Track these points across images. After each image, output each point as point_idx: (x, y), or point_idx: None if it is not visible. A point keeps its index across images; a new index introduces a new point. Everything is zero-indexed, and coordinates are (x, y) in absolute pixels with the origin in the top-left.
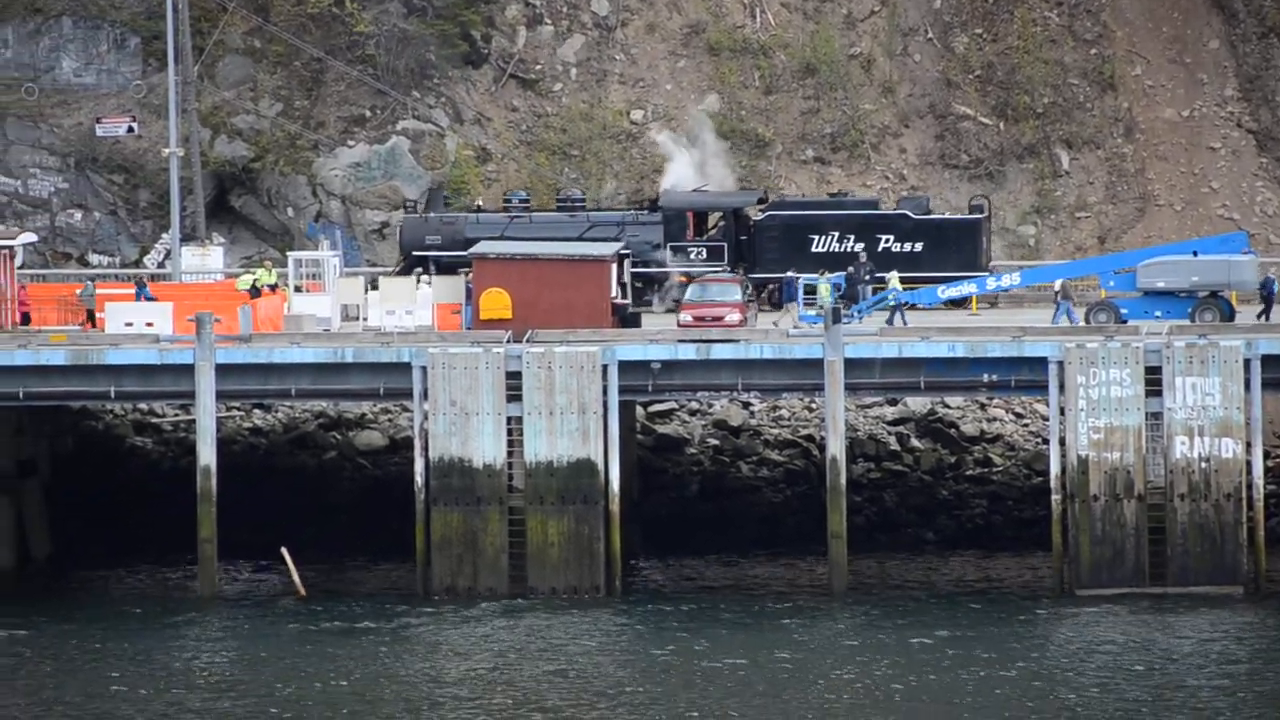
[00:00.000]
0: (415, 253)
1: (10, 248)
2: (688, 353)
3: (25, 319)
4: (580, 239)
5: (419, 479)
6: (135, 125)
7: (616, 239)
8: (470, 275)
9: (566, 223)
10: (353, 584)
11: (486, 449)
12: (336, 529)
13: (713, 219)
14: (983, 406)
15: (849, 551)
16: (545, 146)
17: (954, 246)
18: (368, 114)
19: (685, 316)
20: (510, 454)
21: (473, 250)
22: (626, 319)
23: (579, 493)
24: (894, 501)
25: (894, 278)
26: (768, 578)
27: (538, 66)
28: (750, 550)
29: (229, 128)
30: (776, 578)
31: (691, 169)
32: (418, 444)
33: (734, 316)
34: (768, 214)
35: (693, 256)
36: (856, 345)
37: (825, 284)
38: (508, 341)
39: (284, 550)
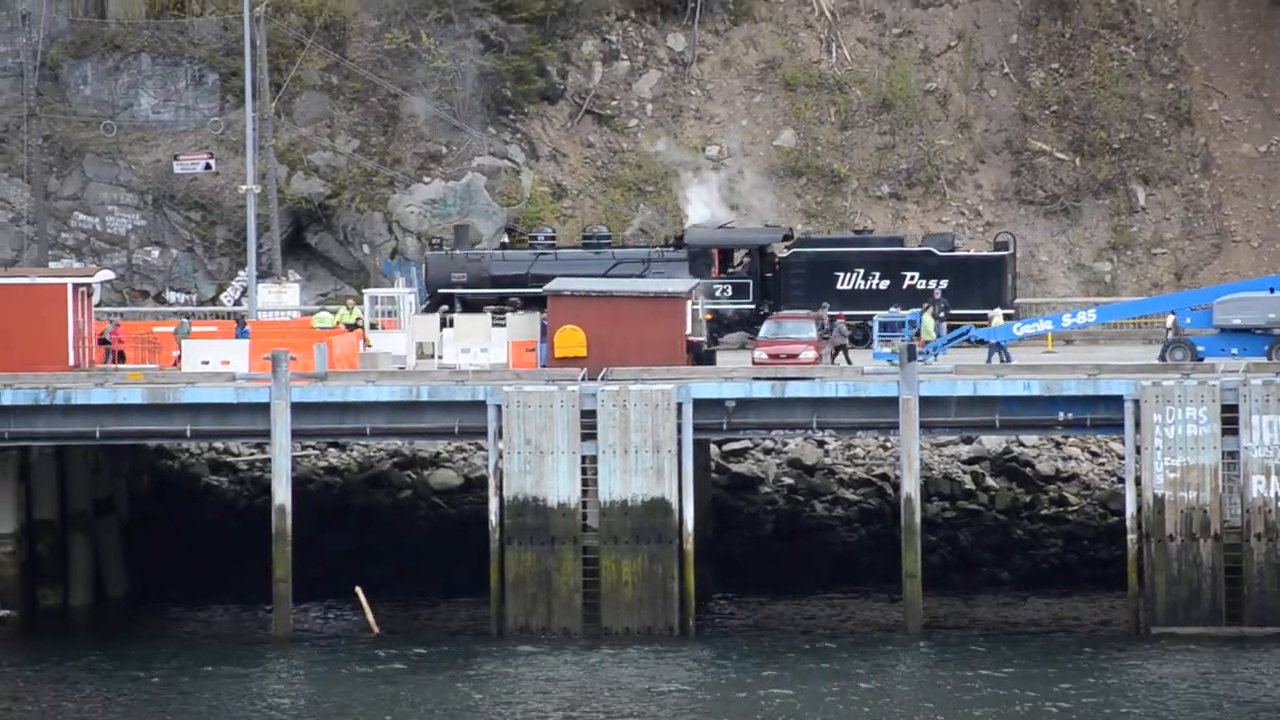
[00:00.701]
0: (441, 290)
1: (88, 285)
2: (762, 391)
3: (120, 357)
4: (605, 277)
5: (493, 518)
6: (212, 162)
7: (641, 276)
8: (545, 313)
9: (591, 260)
10: (427, 623)
11: (561, 488)
12: (411, 568)
13: (738, 256)
14: (1058, 445)
15: (924, 591)
16: (620, 182)
17: (979, 283)
18: (444, 150)
19: (760, 354)
20: (585, 492)
21: (548, 287)
22: (702, 356)
23: (653, 532)
24: (969, 541)
25: (997, 315)
26: (842, 617)
27: (614, 102)
28: (825, 589)
29: (306, 164)
30: (851, 617)
31: (712, 207)
32: (492, 483)
33: (809, 354)
34: (793, 251)
35: (718, 294)
36: (931, 383)
37: (929, 318)
38: (582, 379)
39: (358, 589)
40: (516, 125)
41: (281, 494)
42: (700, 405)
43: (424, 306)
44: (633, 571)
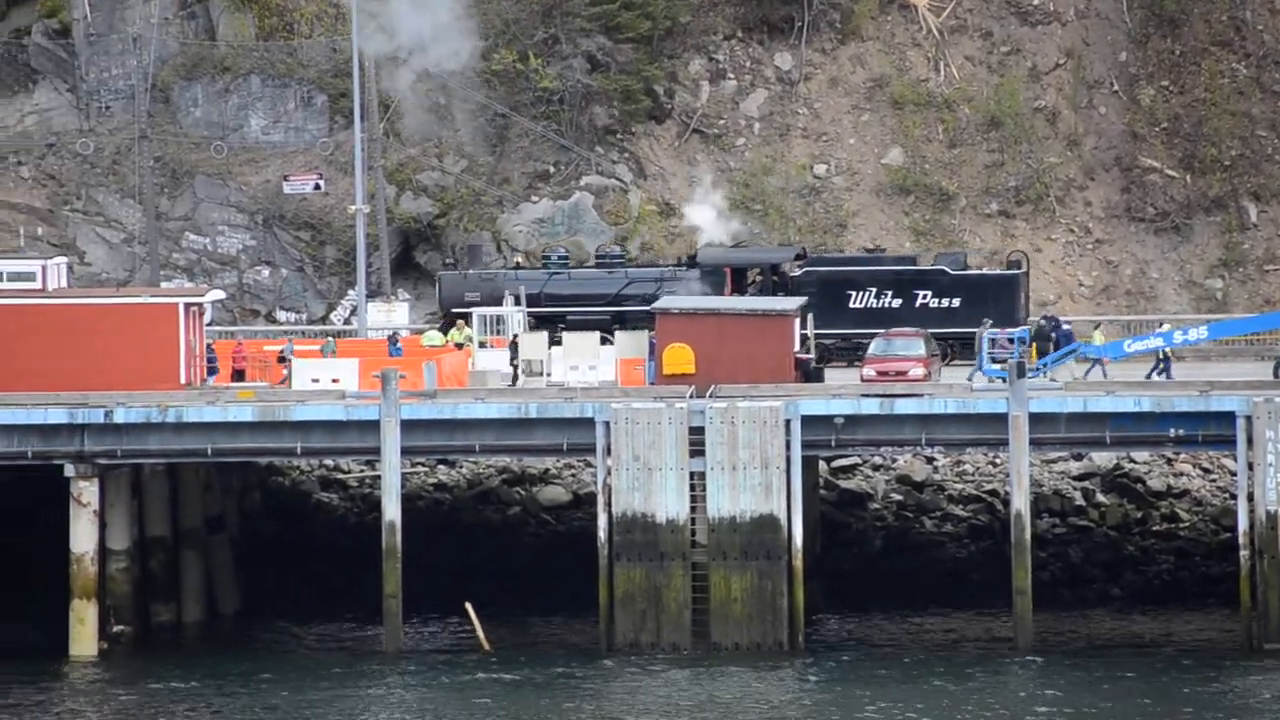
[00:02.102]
0: (454, 309)
1: (199, 305)
2: (871, 407)
3: (239, 375)
4: (619, 296)
5: (602, 534)
6: (322, 182)
7: (655, 295)
8: (654, 331)
9: (605, 279)
10: (536, 639)
11: (669, 504)
12: (520, 584)
13: (751, 274)
14: (1169, 461)
15: (1034, 607)
16: (728, 201)
17: (992, 302)
18: (551, 170)
19: (869, 371)
20: (693, 509)
21: (656, 305)
22: (810, 373)
23: (762, 548)
24: (1079, 557)
25: (1097, 335)
26: (952, 634)
27: (721, 121)
28: (934, 606)
29: (414, 184)
30: (961, 634)
31: (716, 229)
32: (601, 499)
33: (917, 371)
34: (805, 270)
35: None
36: (1041, 400)
37: (1099, 334)
38: (691, 396)
39: (468, 605)
40: (624, 145)
41: (391, 510)
42: (809, 422)
43: (439, 325)
44: (741, 587)
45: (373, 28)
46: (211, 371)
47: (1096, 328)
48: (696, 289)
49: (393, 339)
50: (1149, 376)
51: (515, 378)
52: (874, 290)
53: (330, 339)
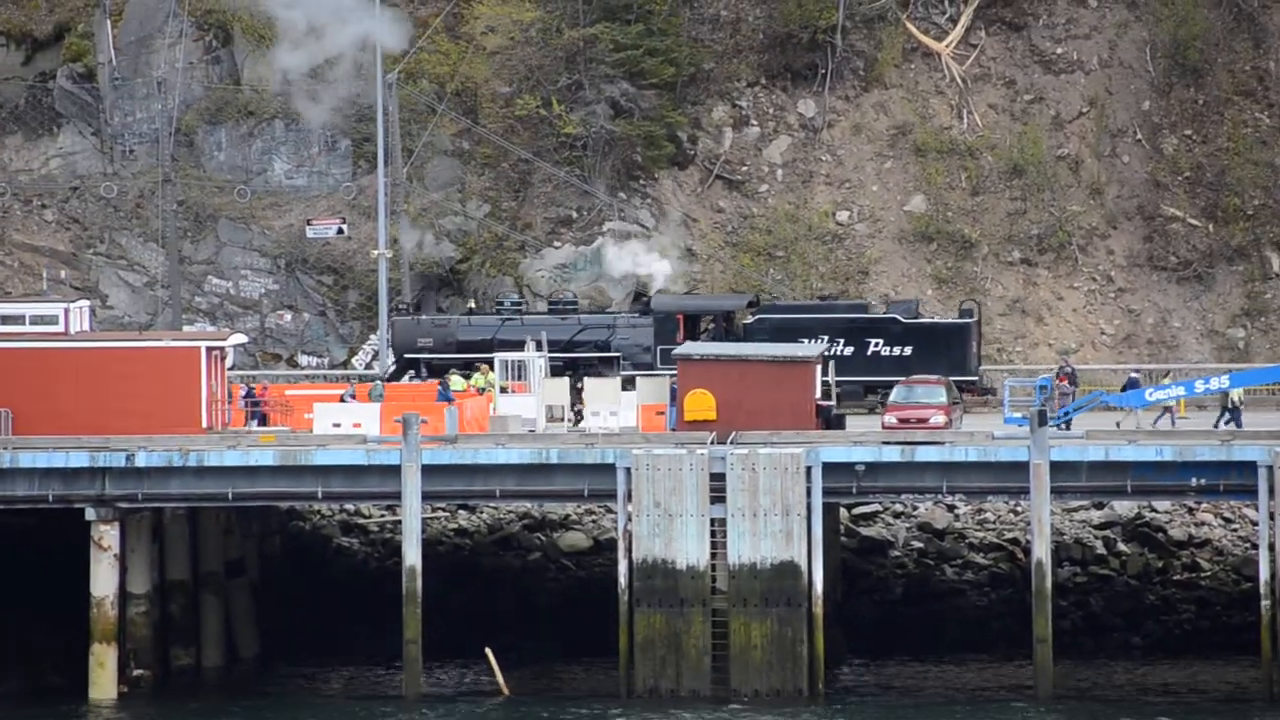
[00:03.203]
0: (407, 355)
1: (221, 349)
2: (892, 455)
3: (263, 419)
4: (571, 341)
5: (622, 580)
6: (345, 227)
7: (607, 342)
8: (675, 377)
9: (558, 325)
10: (556, 685)
11: (690, 550)
12: (540, 629)
13: (703, 322)
14: (1191, 511)
15: (1055, 656)
16: (750, 247)
17: (944, 350)
18: (574, 215)
19: (890, 418)
20: (714, 555)
21: (677, 351)
22: (831, 420)
23: (782, 595)
24: (1100, 606)
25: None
26: (973, 682)
27: (744, 167)
28: (954, 654)
29: (437, 229)
30: (981, 682)
31: (667, 277)
32: (621, 545)
33: (939, 418)
34: (757, 317)
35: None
36: (1062, 448)
37: (1231, 386)
38: (712, 443)
39: (488, 651)
40: (647, 190)
41: (412, 555)
42: (830, 469)
43: (390, 372)
44: (762, 634)
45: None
46: (257, 416)
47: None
48: (648, 336)
49: (444, 385)
50: (1216, 425)
51: (579, 419)
52: (826, 338)
53: (379, 382)
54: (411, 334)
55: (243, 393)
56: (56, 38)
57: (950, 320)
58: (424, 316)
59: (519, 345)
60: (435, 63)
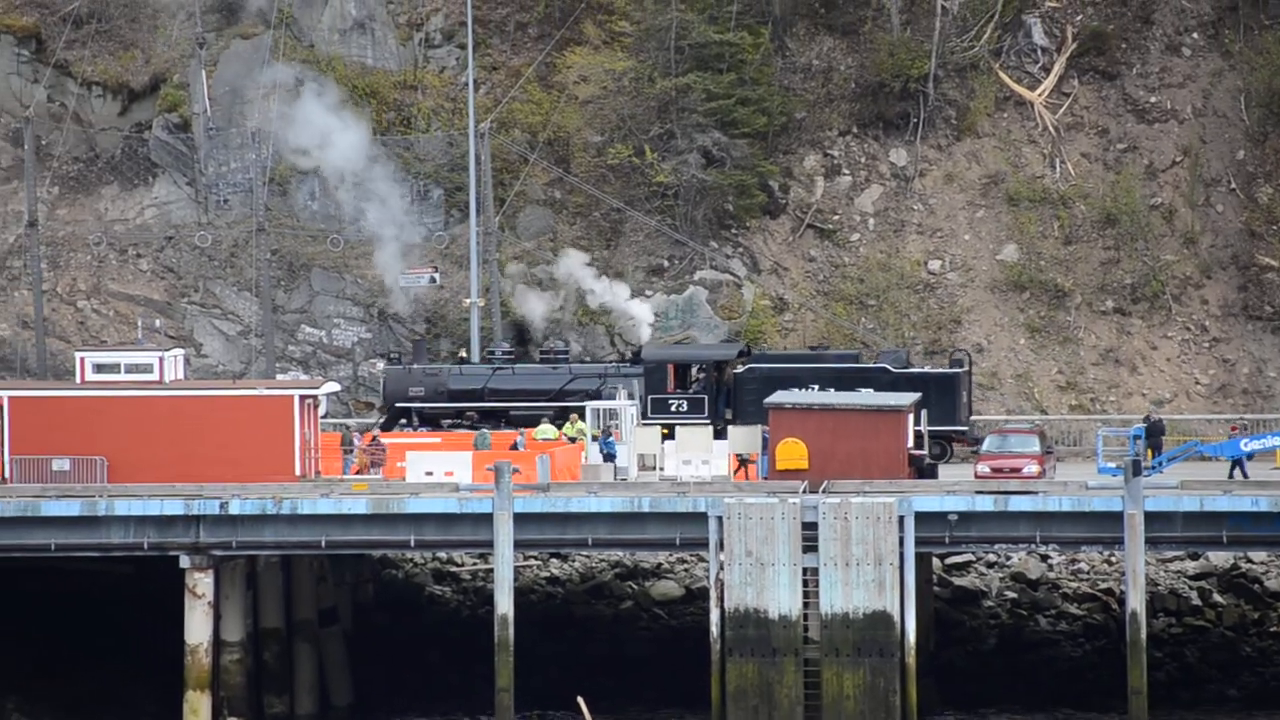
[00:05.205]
0: (398, 404)
1: (314, 397)
2: (985, 504)
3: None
4: (562, 391)
5: (714, 629)
6: (437, 275)
7: (598, 392)
8: (767, 426)
9: (549, 374)
10: None
11: (782, 599)
12: (632, 679)
13: (694, 371)
14: None
15: (1150, 708)
16: (842, 296)
17: (934, 400)
18: (666, 264)
19: (983, 468)
20: (806, 605)
21: (770, 400)
22: (924, 469)
23: (875, 645)
24: (1195, 657)
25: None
26: None
27: (835, 216)
28: (1048, 705)
29: (529, 278)
30: None
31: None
32: (713, 594)
33: (1032, 468)
34: (747, 367)
35: (673, 409)
36: (1157, 498)
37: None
38: (804, 492)
39: (580, 700)
40: (738, 239)
41: (504, 604)
42: (922, 518)
43: (382, 421)
44: (854, 684)
45: (489, 122)
46: (378, 464)
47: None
48: (639, 386)
49: (607, 433)
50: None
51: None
52: (816, 388)
53: (485, 431)
54: (403, 383)
55: (365, 441)
56: (152, 88)
57: (940, 370)
58: (415, 365)
59: (510, 395)
60: (527, 112)
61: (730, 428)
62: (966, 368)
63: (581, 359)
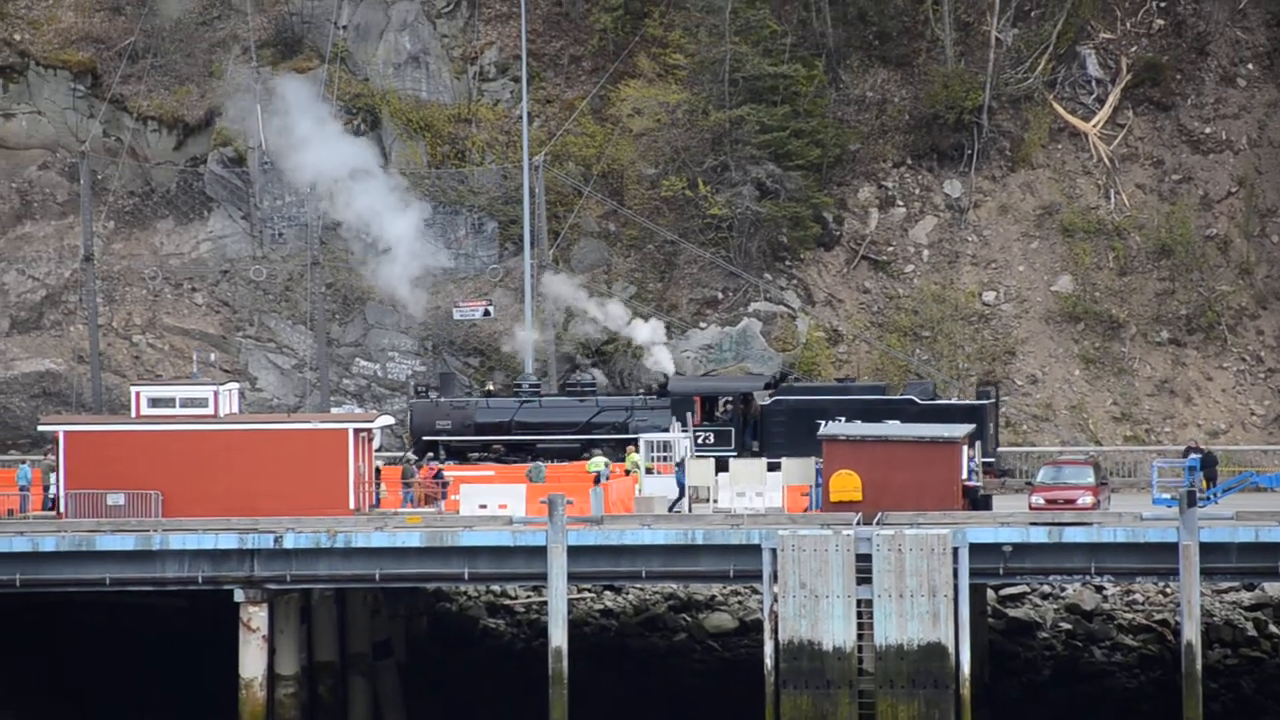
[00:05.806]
0: (425, 437)
1: (369, 430)
2: (1039, 536)
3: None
4: (589, 424)
5: (768, 661)
6: (491, 308)
7: (625, 424)
8: (820, 458)
9: (575, 407)
10: None
11: (836, 631)
12: (686, 711)
13: (721, 403)
14: None
15: None
16: (896, 328)
17: None
18: (720, 296)
19: (1037, 499)
20: (860, 636)
21: (823, 432)
22: (978, 501)
23: (930, 676)
24: (1251, 689)
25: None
26: None
27: (889, 248)
28: None
29: (583, 311)
30: None
31: (671, 361)
32: (767, 626)
33: (1086, 499)
34: (774, 399)
35: (700, 441)
36: (1212, 529)
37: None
38: (858, 524)
39: None
40: (793, 271)
41: (558, 636)
42: (976, 550)
43: (412, 453)
44: (909, 716)
45: (543, 155)
46: (444, 496)
47: None
48: (666, 418)
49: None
50: None
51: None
52: (843, 420)
53: (540, 464)
54: (430, 416)
55: (432, 474)
56: (207, 123)
57: (967, 402)
58: (442, 399)
59: (537, 428)
60: (581, 145)
61: (784, 460)
62: (994, 399)
63: (607, 392)
